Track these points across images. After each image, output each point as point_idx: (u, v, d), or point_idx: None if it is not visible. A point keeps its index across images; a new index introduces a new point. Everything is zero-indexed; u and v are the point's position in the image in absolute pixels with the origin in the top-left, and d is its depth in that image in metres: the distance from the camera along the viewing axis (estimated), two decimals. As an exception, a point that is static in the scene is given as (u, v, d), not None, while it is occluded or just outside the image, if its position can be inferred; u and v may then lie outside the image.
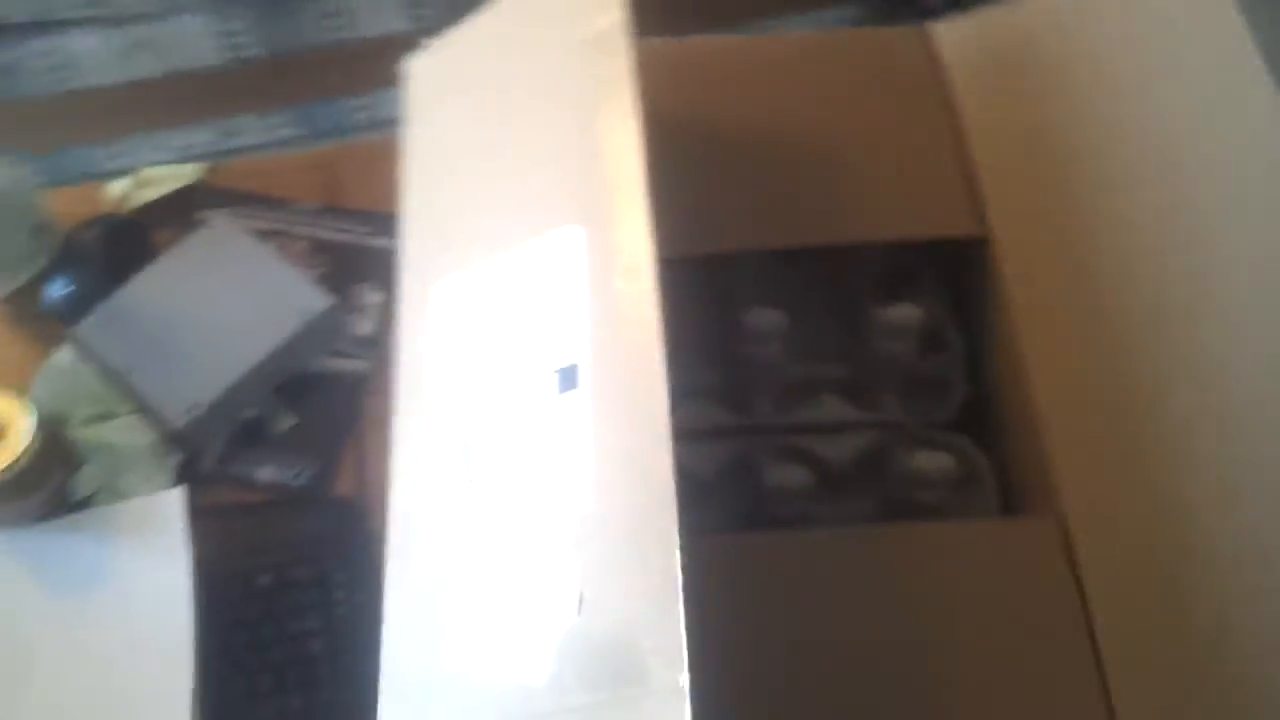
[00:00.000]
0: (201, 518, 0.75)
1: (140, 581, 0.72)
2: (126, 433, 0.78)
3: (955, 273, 0.69)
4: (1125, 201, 0.63)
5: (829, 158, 0.67)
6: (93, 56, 1.48)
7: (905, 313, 0.65)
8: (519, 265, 0.58)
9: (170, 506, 0.74)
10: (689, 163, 0.65)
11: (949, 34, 0.72)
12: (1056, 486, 0.56)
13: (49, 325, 0.85)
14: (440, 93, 0.69)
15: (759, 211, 0.64)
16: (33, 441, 0.71)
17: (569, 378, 0.53)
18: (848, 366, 0.67)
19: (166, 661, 0.68)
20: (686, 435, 0.64)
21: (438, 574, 0.53)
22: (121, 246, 0.88)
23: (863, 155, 0.66)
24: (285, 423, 0.82)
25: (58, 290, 0.85)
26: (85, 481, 0.76)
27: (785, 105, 0.69)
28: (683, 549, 0.46)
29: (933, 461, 0.62)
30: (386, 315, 0.85)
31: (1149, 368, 0.59)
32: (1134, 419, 0.58)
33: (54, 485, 0.75)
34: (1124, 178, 0.64)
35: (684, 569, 0.45)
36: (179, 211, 0.92)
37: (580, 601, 0.48)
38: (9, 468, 0.71)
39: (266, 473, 0.80)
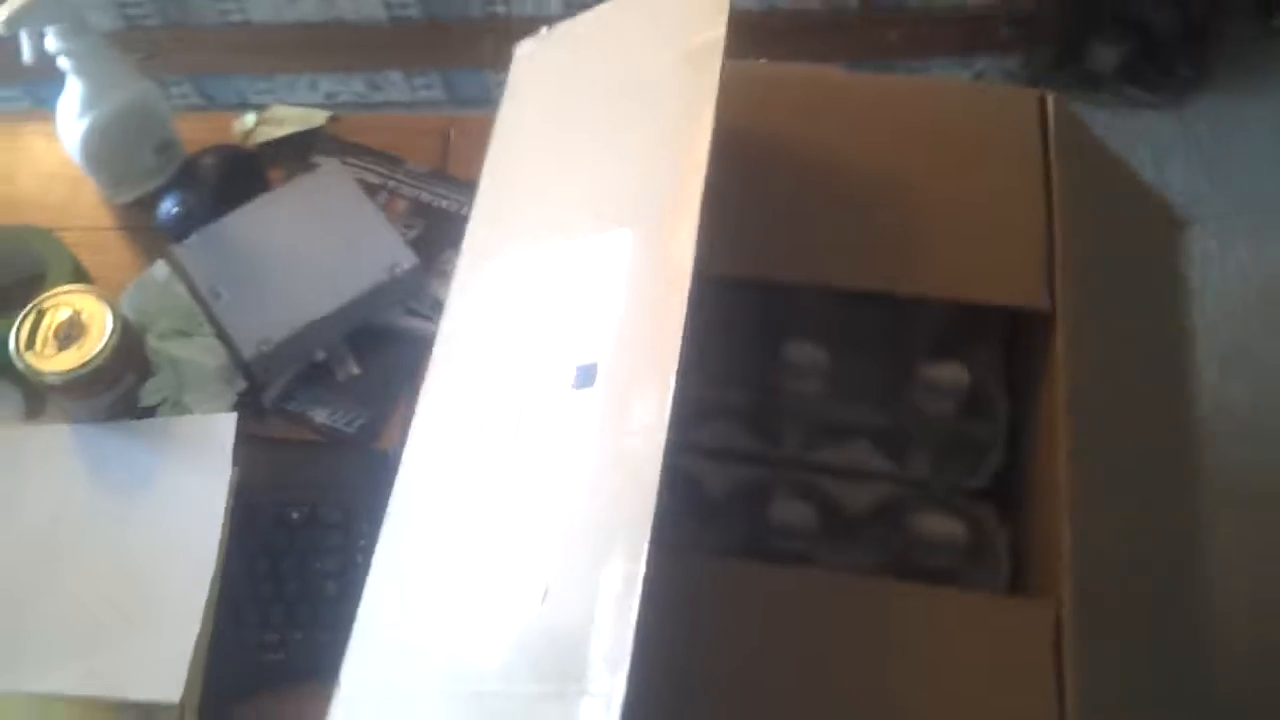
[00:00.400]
0: (252, 445, 0.79)
1: (182, 493, 0.75)
2: (200, 353, 0.82)
3: (1013, 341, 0.67)
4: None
5: (907, 206, 0.66)
6: (263, -4, 1.54)
7: (953, 374, 0.64)
8: (567, 258, 0.59)
9: (223, 428, 0.77)
10: (762, 186, 0.65)
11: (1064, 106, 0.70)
12: (1064, 575, 0.55)
13: (157, 239, 0.90)
14: (539, 79, 0.71)
15: (823, 246, 0.64)
16: (111, 342, 0.75)
17: (587, 375, 0.54)
18: (884, 416, 0.66)
19: (191, 571, 0.72)
20: (706, 452, 0.65)
21: (426, 541, 0.55)
22: (236, 177, 0.92)
23: (942, 209, 0.65)
24: (350, 370, 0.85)
25: (169, 208, 0.90)
26: (152, 391, 0.80)
27: (875, 145, 0.68)
28: (649, 561, 0.46)
29: (942, 526, 0.61)
30: (465, 285, 0.87)
31: (1183, 478, 0.57)
32: (1157, 519, 0.56)
33: (124, 389, 0.79)
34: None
35: (645, 581, 0.46)
36: (298, 153, 0.96)
37: (545, 594, 0.49)
38: (87, 363, 0.75)
39: (322, 414, 0.83)
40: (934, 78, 1.64)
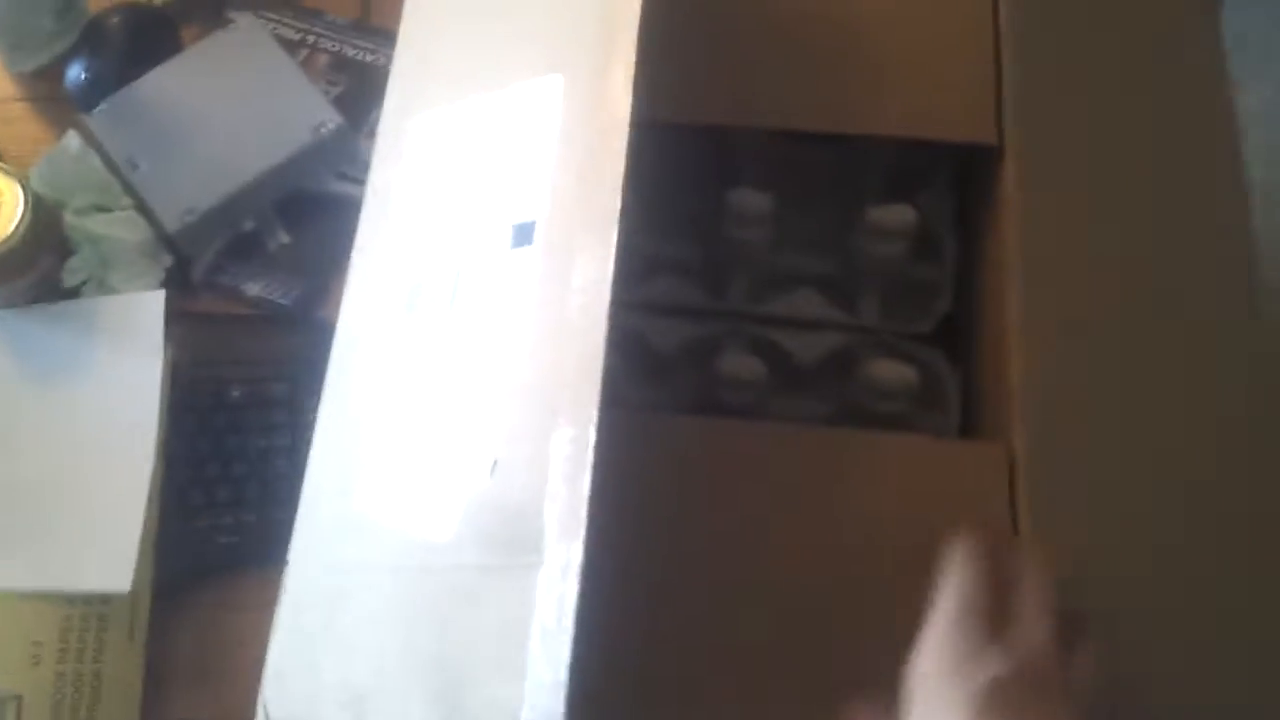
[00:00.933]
0: (184, 322, 0.76)
1: (114, 376, 0.73)
2: (121, 228, 0.78)
3: (963, 182, 0.65)
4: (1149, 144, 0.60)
5: (852, 44, 0.63)
6: None
7: (900, 215, 0.62)
8: (496, 108, 0.56)
9: (151, 306, 0.74)
10: (701, 27, 0.62)
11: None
12: (1015, 415, 0.54)
13: (67, 109, 0.85)
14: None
15: (767, 88, 0.61)
16: (24, 222, 0.72)
17: (524, 234, 0.52)
18: (832, 263, 0.64)
19: (130, 457, 0.70)
20: (652, 308, 0.63)
21: (367, 413, 0.53)
22: (145, 37, 0.87)
23: (888, 47, 0.63)
24: (280, 240, 0.82)
25: (76, 74, 0.85)
26: (73, 271, 0.77)
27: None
28: (598, 426, 0.45)
29: (895, 372, 0.60)
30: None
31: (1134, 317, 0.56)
32: (1109, 360, 0.55)
33: (42, 270, 0.75)
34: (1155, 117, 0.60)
35: (596, 446, 0.45)
36: (211, 8, 0.90)
37: (494, 465, 0.47)
38: None
39: (255, 287, 0.80)
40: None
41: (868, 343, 0.62)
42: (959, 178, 0.65)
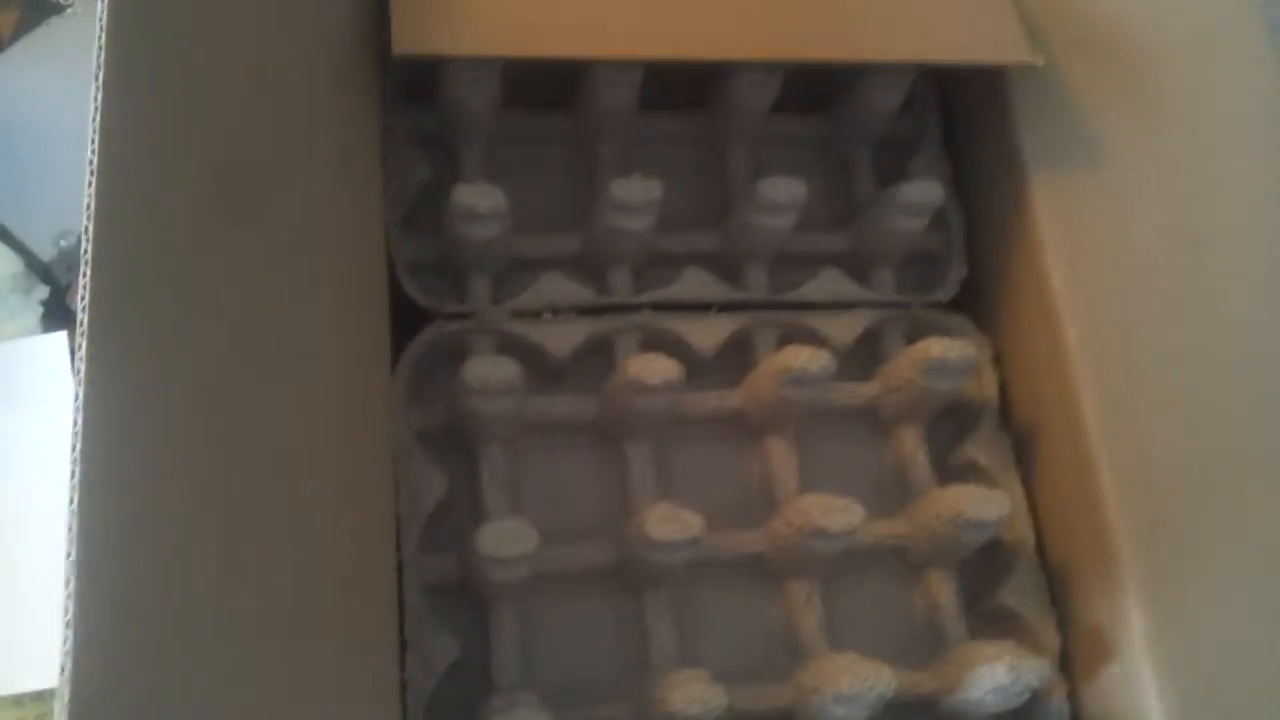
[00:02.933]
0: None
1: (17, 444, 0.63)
2: (-17, 262, 0.68)
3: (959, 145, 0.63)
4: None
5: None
6: None
7: (927, 193, 0.57)
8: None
9: (53, 354, 0.65)
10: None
11: None
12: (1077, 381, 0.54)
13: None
14: None
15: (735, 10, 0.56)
16: None
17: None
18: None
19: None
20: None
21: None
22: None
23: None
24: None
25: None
26: (-64, 319, 0.66)
27: None
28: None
29: (951, 349, 0.56)
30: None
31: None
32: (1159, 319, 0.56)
33: (-100, 322, 0.64)
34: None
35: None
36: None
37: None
38: None
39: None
40: None
41: (896, 318, 0.59)
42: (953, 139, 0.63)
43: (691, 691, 0.47)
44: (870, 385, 0.59)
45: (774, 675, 0.53)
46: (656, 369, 0.51)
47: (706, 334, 0.57)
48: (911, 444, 0.58)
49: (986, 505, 0.52)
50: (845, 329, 0.59)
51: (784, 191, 0.56)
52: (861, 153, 0.64)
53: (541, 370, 0.56)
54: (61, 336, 0.65)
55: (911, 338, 0.59)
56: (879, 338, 0.60)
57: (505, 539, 0.48)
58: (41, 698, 0.58)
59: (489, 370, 0.50)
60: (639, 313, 0.57)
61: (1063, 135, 0.58)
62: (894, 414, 0.58)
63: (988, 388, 0.59)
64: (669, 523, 0.49)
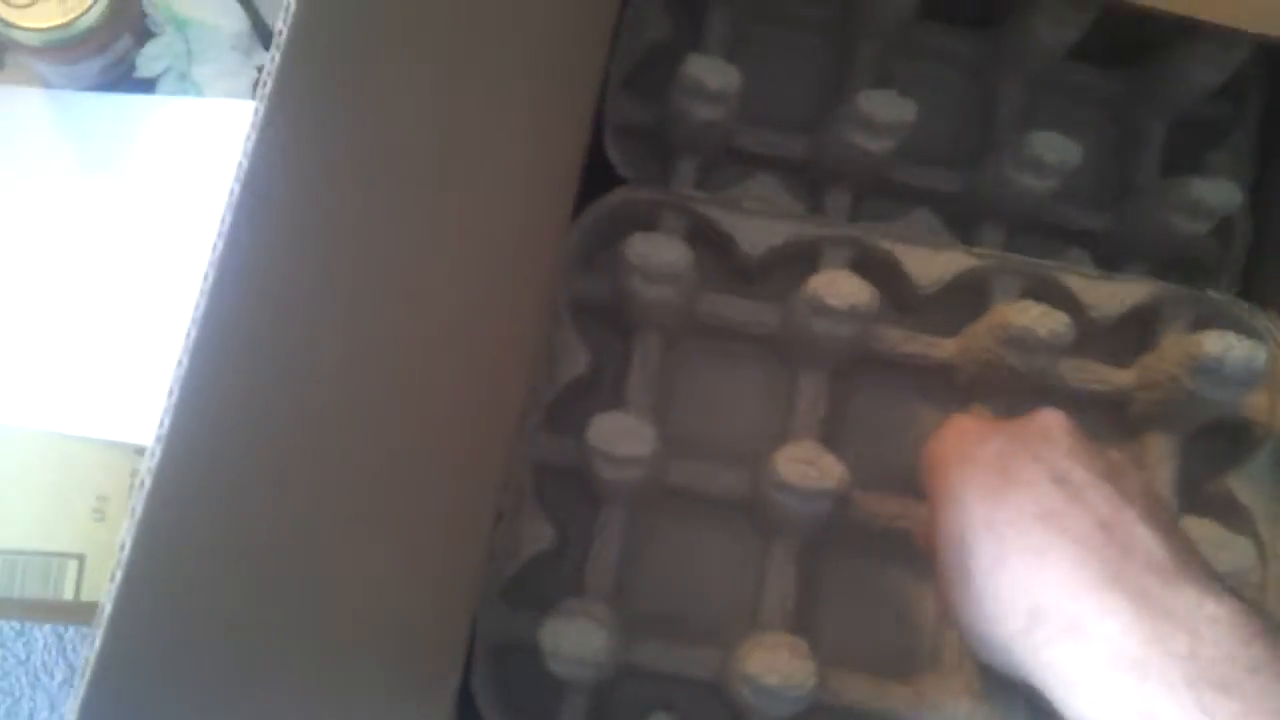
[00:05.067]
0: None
1: (186, 191, 0.62)
2: (213, 13, 0.66)
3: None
4: None
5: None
6: None
7: (1225, 195, 0.48)
8: None
9: (241, 120, 0.63)
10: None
11: None
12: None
13: None
14: None
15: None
16: (102, -5, 0.59)
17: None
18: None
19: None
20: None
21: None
22: None
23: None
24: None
25: None
26: (151, 58, 0.64)
27: None
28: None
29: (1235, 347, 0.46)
30: None
31: None
32: None
33: (117, 53, 0.63)
34: None
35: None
36: None
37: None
38: (71, 21, 0.59)
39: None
40: None
41: (1181, 298, 0.49)
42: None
43: (775, 658, 0.41)
44: (1124, 373, 0.49)
45: (902, 671, 0.47)
46: (845, 289, 0.44)
47: (931, 266, 0.49)
48: (1157, 455, 0.49)
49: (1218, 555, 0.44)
50: (1111, 298, 0.50)
51: (1056, 151, 0.48)
52: (1156, 127, 0.55)
53: (731, 269, 0.51)
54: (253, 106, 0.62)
55: (1198, 329, 0.49)
56: (1153, 318, 0.50)
57: (618, 434, 0.43)
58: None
59: (653, 249, 0.45)
60: (853, 227, 0.50)
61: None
62: (1145, 413, 0.49)
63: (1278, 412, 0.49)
64: (804, 465, 0.43)
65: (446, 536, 0.41)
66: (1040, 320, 0.44)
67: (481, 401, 0.42)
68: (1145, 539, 0.34)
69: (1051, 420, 0.38)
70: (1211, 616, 0.31)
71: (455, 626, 0.43)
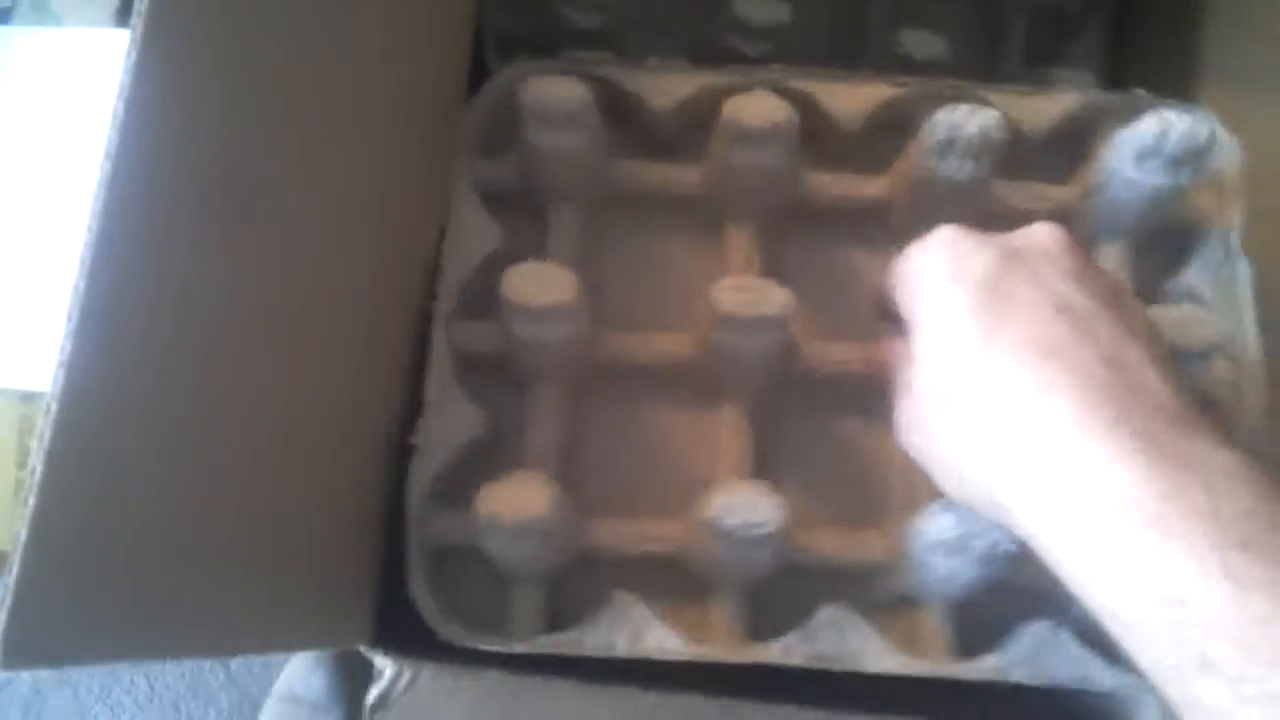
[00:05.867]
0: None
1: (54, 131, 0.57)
2: (62, -65, 0.61)
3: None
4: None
5: None
6: None
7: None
8: None
9: (110, 49, 0.58)
10: None
11: None
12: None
13: None
14: None
15: None
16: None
17: None
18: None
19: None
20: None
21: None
22: None
23: None
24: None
25: None
26: (0, -11, 0.60)
27: None
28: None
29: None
30: None
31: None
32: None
33: (-39, -14, 0.58)
34: None
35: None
36: None
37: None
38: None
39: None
40: None
41: (1113, 106, 0.46)
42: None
43: (734, 498, 0.38)
44: (1065, 189, 0.46)
45: (876, 521, 0.44)
46: (761, 107, 0.41)
47: (852, 100, 0.46)
48: (1112, 264, 0.46)
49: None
50: (1040, 112, 0.46)
51: (925, 47, 0.47)
52: (1019, 21, 0.53)
53: (645, 140, 0.47)
54: (122, 35, 0.58)
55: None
56: (1086, 129, 0.47)
57: (534, 282, 0.38)
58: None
59: (549, 89, 0.41)
60: (768, 70, 0.47)
61: (1256, 62, 0.47)
62: (1093, 224, 0.46)
63: (1228, 205, 0.46)
64: (744, 293, 0.39)
65: (352, 440, 0.38)
66: (968, 117, 0.41)
67: (380, 294, 0.39)
68: (1153, 380, 0.30)
69: (1049, 235, 0.35)
70: (1225, 469, 0.28)
71: (370, 531, 0.40)
